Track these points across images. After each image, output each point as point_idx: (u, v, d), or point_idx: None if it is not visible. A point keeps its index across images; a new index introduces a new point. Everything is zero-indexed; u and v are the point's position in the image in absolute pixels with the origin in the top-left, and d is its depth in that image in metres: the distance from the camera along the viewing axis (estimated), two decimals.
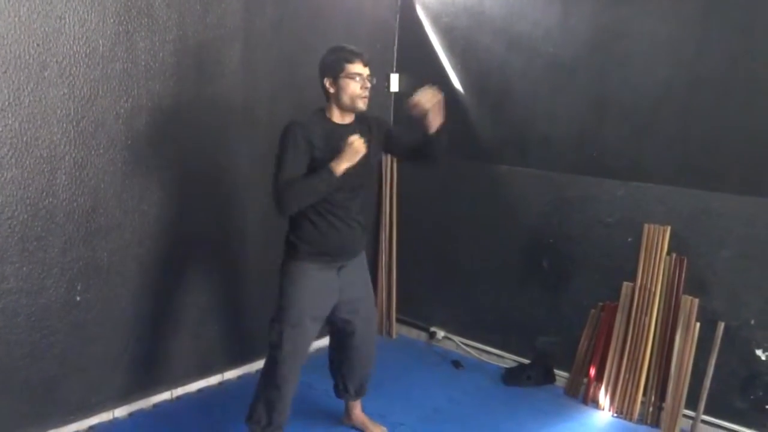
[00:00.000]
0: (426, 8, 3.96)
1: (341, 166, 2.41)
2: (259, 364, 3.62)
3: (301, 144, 2.47)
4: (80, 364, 2.89)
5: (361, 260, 2.83)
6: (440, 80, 3.87)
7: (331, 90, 2.55)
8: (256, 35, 3.31)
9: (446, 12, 3.87)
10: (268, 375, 2.72)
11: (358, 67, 2.51)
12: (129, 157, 2.91)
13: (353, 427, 3.09)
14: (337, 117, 2.60)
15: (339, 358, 2.92)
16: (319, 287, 2.64)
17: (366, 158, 2.52)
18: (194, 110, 3.12)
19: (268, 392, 2.70)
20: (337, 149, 2.44)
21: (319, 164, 2.46)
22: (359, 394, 3.01)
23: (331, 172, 2.41)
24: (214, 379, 3.46)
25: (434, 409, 3.33)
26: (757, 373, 3.00)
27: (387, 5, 4.02)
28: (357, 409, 3.06)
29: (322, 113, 2.61)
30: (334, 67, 2.52)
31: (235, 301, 3.52)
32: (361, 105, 2.54)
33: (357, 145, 2.41)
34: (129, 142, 2.89)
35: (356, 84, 2.51)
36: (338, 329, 2.85)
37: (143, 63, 2.88)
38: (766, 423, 2.99)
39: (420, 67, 4.02)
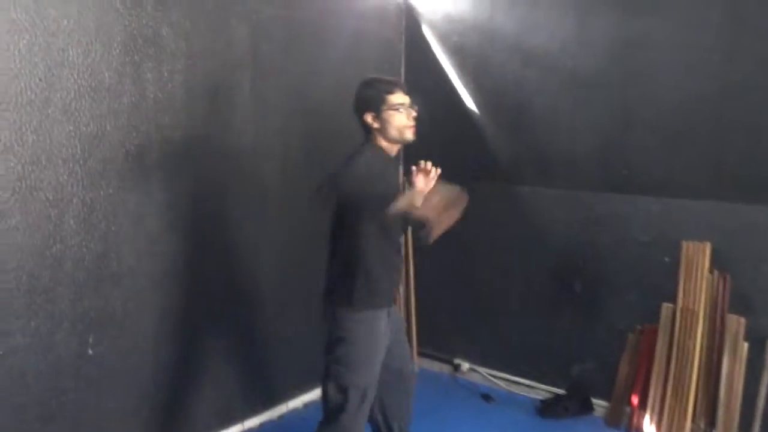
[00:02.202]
0: (433, 27, 3.83)
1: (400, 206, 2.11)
2: (281, 410, 3.46)
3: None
4: (95, 422, 2.66)
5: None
6: (452, 100, 3.78)
7: (375, 125, 2.38)
8: (264, 61, 3.15)
9: (455, 30, 3.75)
10: None
11: (399, 97, 2.37)
12: (140, 197, 2.71)
13: None
14: (387, 151, 2.44)
15: (382, 403, 2.63)
16: (382, 339, 2.41)
17: None
18: (206, 143, 2.94)
19: None
20: (392, 185, 2.40)
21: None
22: None
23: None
24: (234, 429, 3.23)
25: None
26: None
27: (392, 26, 3.89)
28: None
29: (376, 149, 2.40)
30: (375, 100, 2.37)
31: (253, 345, 3.31)
32: (410, 135, 2.39)
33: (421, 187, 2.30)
34: (140, 180, 2.69)
35: (401, 115, 2.36)
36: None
37: (152, 95, 2.69)
38: None
39: (430, 87, 3.86)
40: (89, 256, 2.56)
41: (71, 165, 2.47)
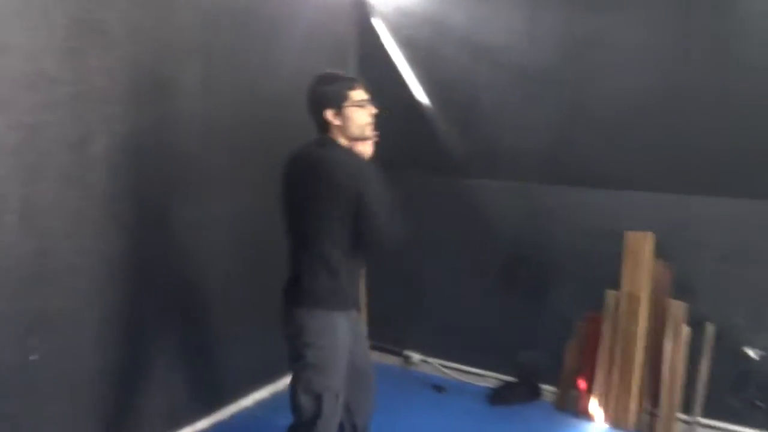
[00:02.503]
0: (386, 20, 3.82)
1: None
2: (232, 409, 3.37)
3: None
4: (37, 428, 2.50)
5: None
6: (403, 93, 3.77)
7: (336, 122, 2.31)
8: (214, 51, 3.05)
9: (407, 24, 3.75)
10: None
11: (360, 94, 2.33)
12: (81, 191, 2.56)
13: None
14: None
15: (346, 400, 2.58)
16: (346, 339, 2.35)
17: None
18: (152, 135, 2.81)
19: None
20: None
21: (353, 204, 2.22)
22: None
23: None
24: (185, 431, 3.12)
25: None
26: (748, 372, 3.03)
27: (344, 19, 3.85)
28: None
29: (340, 146, 2.33)
30: (335, 97, 2.30)
31: (202, 344, 3.20)
32: (369, 132, 2.36)
33: None
34: (82, 173, 2.55)
35: (364, 111, 2.33)
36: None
37: (97, 84, 2.56)
38: (760, 419, 3.02)
39: (382, 80, 3.81)
40: (28, 255, 2.39)
41: (7, 158, 2.31)
